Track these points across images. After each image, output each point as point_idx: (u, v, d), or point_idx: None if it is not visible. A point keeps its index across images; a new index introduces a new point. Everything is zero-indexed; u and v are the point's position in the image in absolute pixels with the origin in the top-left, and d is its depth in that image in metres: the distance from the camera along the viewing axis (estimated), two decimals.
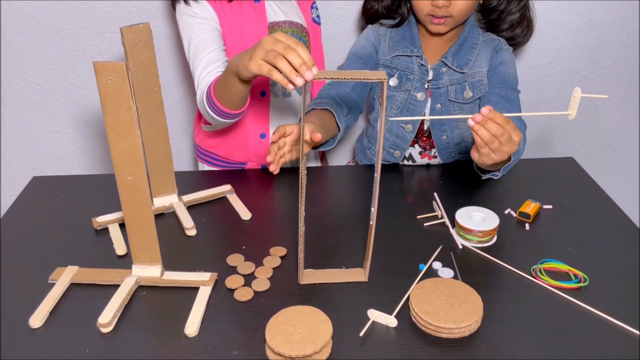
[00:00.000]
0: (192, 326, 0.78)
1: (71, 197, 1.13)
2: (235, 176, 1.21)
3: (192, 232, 1.00)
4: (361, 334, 0.77)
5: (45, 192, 1.15)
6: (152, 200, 1.05)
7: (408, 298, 0.82)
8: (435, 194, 1.11)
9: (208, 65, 1.13)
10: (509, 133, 0.88)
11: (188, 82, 1.59)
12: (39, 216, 1.06)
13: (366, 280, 0.88)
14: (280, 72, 0.81)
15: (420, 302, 0.79)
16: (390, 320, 0.79)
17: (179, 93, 1.61)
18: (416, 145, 1.30)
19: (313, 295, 0.85)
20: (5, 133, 1.63)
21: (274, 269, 0.91)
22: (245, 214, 1.06)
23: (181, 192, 1.10)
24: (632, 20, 1.53)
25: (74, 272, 0.89)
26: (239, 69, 0.93)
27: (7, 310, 0.82)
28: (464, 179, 1.18)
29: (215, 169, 1.35)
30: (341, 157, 1.72)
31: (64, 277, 0.88)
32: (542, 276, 0.88)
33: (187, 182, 1.16)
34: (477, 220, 0.98)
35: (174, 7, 1.22)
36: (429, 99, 1.24)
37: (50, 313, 0.81)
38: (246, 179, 1.21)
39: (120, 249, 0.95)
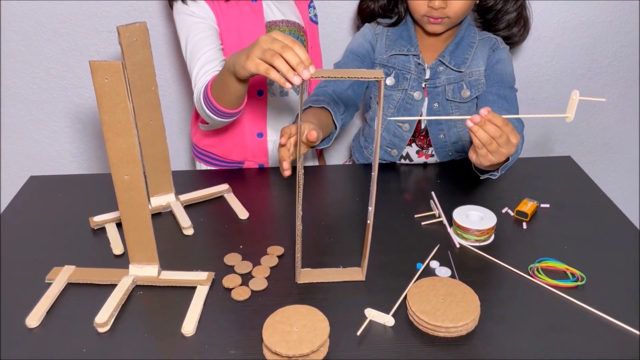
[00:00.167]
0: (189, 325, 0.78)
1: (68, 197, 1.13)
2: (233, 175, 1.21)
3: (189, 232, 1.00)
4: (358, 333, 0.77)
5: (43, 191, 1.15)
6: (149, 200, 1.05)
7: (405, 297, 0.82)
8: (432, 192, 1.11)
9: (205, 65, 1.13)
10: (507, 135, 0.87)
11: (185, 81, 1.59)
12: (36, 216, 1.06)
13: (363, 279, 0.88)
14: (278, 71, 0.81)
15: (417, 301, 0.79)
16: (388, 319, 0.79)
17: (176, 92, 1.61)
18: (413, 144, 1.30)
19: (310, 295, 0.85)
20: (3, 132, 1.63)
21: (271, 268, 0.91)
22: (242, 213, 1.06)
23: (178, 192, 1.10)
24: (629, 19, 1.53)
25: (71, 271, 0.89)
26: (236, 68, 0.93)
27: (3, 310, 0.82)
28: (461, 178, 1.18)
29: (212, 168, 1.35)
30: (338, 156, 1.72)
31: (61, 276, 0.88)
32: (539, 275, 0.88)
33: (184, 181, 1.16)
34: (474, 219, 0.98)
35: (171, 6, 1.21)
36: (426, 98, 1.23)
37: (47, 313, 0.81)
38: (243, 178, 1.20)
39: (117, 248, 0.95)
